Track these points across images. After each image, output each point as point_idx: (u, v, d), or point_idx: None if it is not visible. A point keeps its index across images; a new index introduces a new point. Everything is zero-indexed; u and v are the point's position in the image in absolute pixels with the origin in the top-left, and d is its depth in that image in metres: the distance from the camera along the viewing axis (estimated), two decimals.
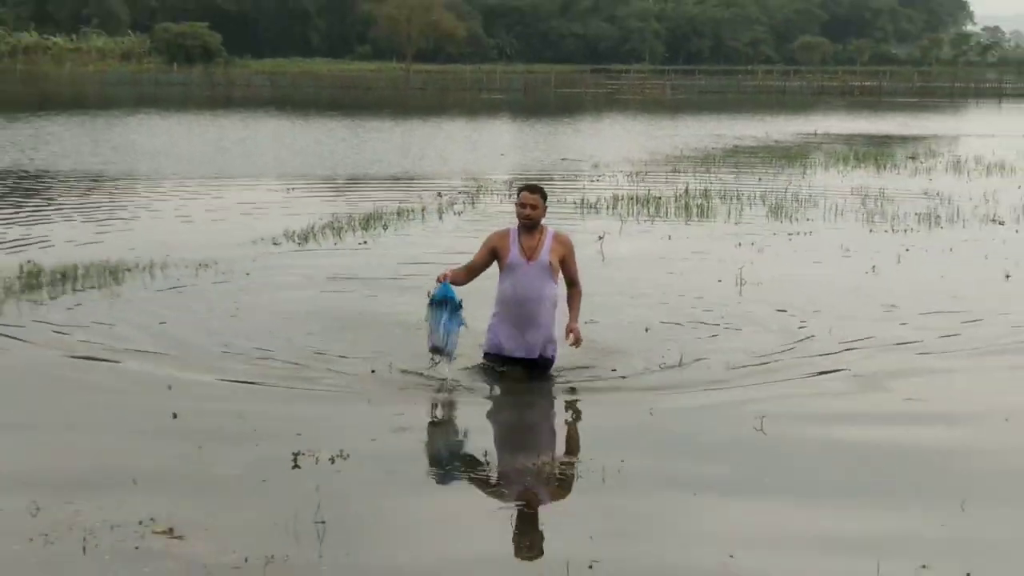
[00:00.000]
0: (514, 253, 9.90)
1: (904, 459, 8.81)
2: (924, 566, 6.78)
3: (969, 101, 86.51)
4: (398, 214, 21.24)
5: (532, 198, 9.91)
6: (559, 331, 10.21)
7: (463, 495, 8.37)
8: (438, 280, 10.04)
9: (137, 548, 6.91)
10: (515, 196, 10.39)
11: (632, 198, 23.71)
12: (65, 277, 14.66)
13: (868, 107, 73.88)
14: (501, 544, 7.39)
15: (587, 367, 10.81)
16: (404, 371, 10.56)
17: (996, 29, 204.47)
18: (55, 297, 13.85)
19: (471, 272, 10.17)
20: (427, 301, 10.19)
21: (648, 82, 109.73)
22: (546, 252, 9.89)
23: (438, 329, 9.96)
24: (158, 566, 6.71)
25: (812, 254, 17.65)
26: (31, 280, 14.45)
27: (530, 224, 9.92)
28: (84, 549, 6.88)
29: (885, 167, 31.66)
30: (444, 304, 9.96)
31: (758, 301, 13.94)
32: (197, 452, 8.70)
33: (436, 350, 10.03)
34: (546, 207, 10.04)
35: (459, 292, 10.08)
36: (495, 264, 10.11)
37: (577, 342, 10.04)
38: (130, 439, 9.07)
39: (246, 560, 6.74)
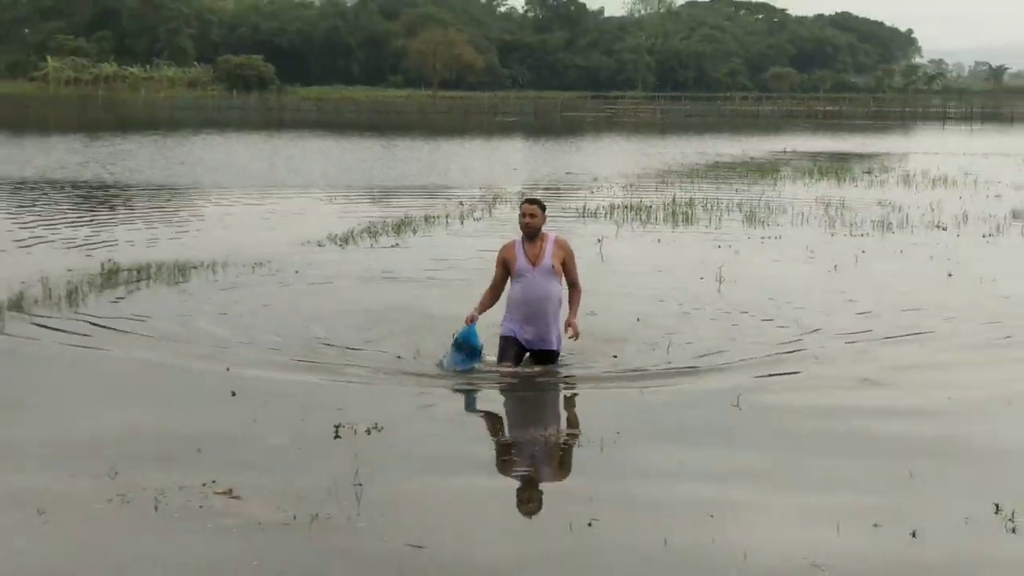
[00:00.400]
0: (521, 261, 9.90)
1: (861, 434, 8.80)
2: (876, 525, 6.79)
3: (917, 124, 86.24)
4: (425, 220, 21.24)
5: (531, 208, 9.95)
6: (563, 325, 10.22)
7: (481, 462, 8.39)
8: (466, 322, 10.03)
9: (201, 507, 6.95)
10: (521, 204, 10.37)
11: (627, 206, 23.65)
12: (139, 274, 14.72)
13: (830, 129, 73.65)
14: (513, 504, 7.43)
15: (589, 353, 10.80)
16: (429, 357, 10.55)
17: (940, 62, 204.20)
18: (130, 291, 13.91)
19: (495, 290, 10.17)
20: (451, 341, 10.19)
21: (641, 107, 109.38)
22: (548, 256, 9.89)
23: (453, 369, 10.06)
24: (219, 523, 6.74)
25: (781, 255, 17.63)
26: (110, 276, 14.52)
27: (530, 232, 9.93)
28: (156, 507, 6.92)
29: (844, 180, 31.57)
30: (463, 348, 10.01)
31: (735, 296, 13.92)
32: (252, 424, 8.74)
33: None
34: (545, 217, 10.04)
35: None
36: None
37: (575, 335, 10.04)
38: (195, 413, 9.11)
39: (294, 518, 6.77)
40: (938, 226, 21.07)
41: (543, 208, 10.05)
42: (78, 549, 6.49)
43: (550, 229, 10.22)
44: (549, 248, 9.92)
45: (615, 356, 10.87)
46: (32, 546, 6.51)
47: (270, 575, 6.14)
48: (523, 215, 9.96)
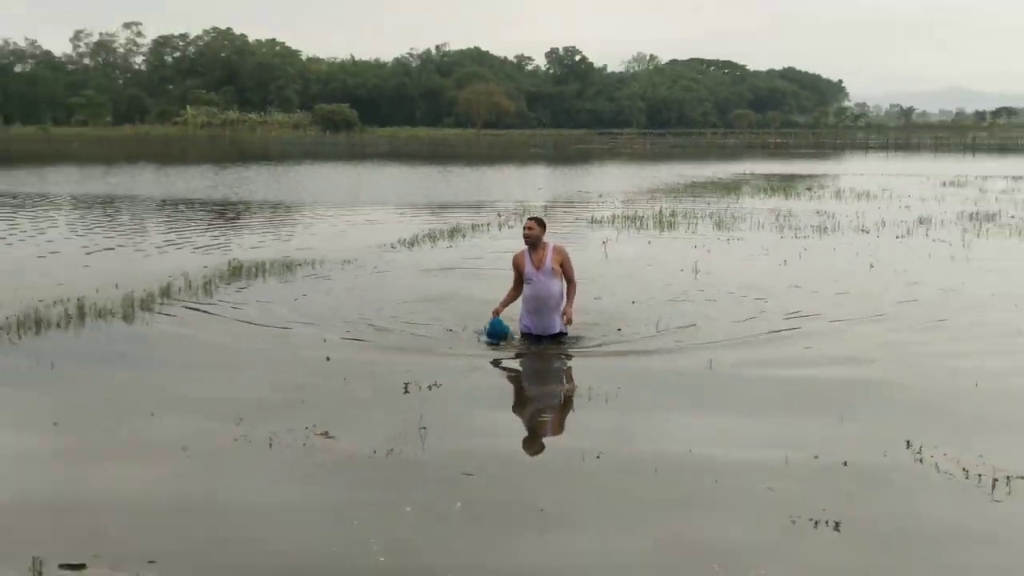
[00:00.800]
0: (528, 267, 9.88)
1: (804, 387, 8.78)
2: (816, 457, 6.79)
3: (846, 152, 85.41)
4: (472, 228, 21.26)
5: (529, 223, 10.00)
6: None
7: (516, 410, 8.45)
8: (492, 314, 10.09)
9: (304, 444, 7.01)
10: (524, 222, 10.38)
11: (625, 216, 23.61)
12: (257, 270, 14.78)
13: (780, 156, 73.14)
14: (540, 440, 7.47)
15: (597, 327, 10.76)
16: (474, 331, 10.55)
17: (864, 104, 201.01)
18: (250, 282, 13.97)
19: (516, 289, 10.12)
20: (486, 327, 10.20)
21: (635, 141, 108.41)
22: (549, 261, 9.85)
23: (489, 342, 10.11)
24: (319, 456, 6.82)
25: (743, 252, 17.52)
26: (235, 272, 14.59)
27: (530, 242, 9.92)
28: (271, 444, 6.98)
29: (790, 195, 31.38)
30: (493, 333, 10.06)
31: (707, 284, 13.86)
32: (343, 383, 8.78)
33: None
34: (543, 230, 10.01)
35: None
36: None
37: (569, 322, 9.97)
38: (299, 375, 9.14)
39: (374, 452, 6.82)
40: (862, 230, 20.93)
41: (541, 224, 10.03)
42: (214, 475, 6.56)
43: (549, 240, 10.19)
44: (549, 254, 9.89)
45: (619, 329, 10.82)
46: (177, 473, 6.59)
47: (358, 497, 6.19)
48: (525, 229, 10.00)
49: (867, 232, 20.56)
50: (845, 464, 6.68)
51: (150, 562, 5.24)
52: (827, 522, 5.75)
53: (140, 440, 7.26)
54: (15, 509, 6.03)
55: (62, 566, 5.19)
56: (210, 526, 5.80)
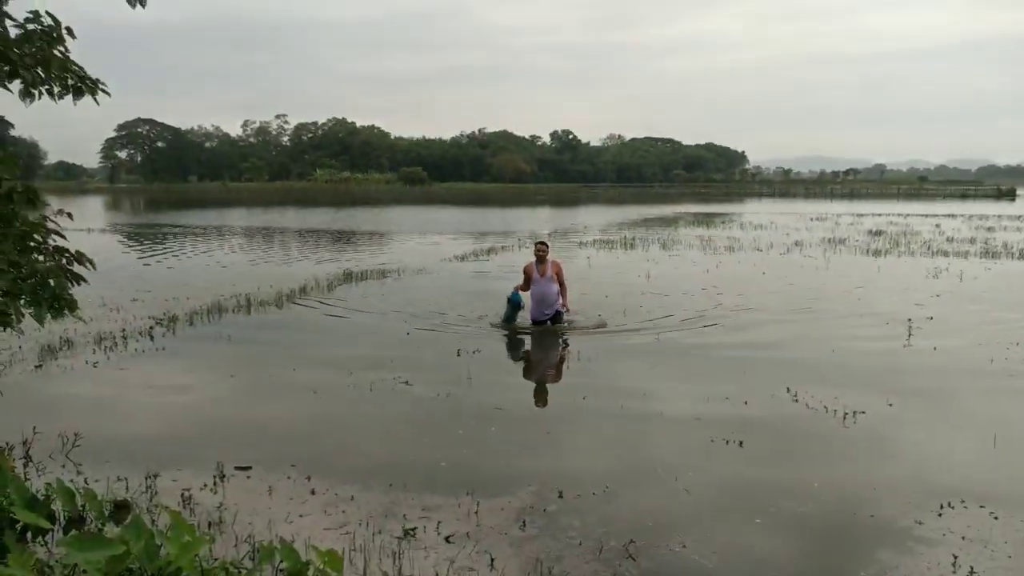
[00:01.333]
0: (536, 274, 9.90)
1: (720, 356, 8.72)
2: (727, 399, 6.75)
3: (747, 199, 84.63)
4: (501, 248, 21.23)
5: (540, 245, 9.98)
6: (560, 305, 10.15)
7: (528, 367, 8.39)
8: (515, 288, 10.08)
9: (393, 389, 7.03)
10: (535, 243, 10.38)
11: (601, 240, 23.49)
12: (361, 276, 14.83)
13: (704, 201, 72.45)
14: (545, 387, 7.42)
15: (583, 314, 10.70)
16: (501, 322, 10.52)
17: (758, 166, 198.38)
18: (357, 284, 14.01)
19: (524, 283, 10.12)
20: (507, 297, 10.17)
21: (608, 191, 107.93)
22: (549, 271, 9.87)
23: (506, 323, 10.04)
24: (401, 396, 6.82)
25: (680, 264, 17.41)
26: (347, 277, 14.63)
27: (540, 257, 9.92)
28: (371, 389, 7.00)
29: (711, 226, 31.12)
30: (511, 301, 10.00)
31: (658, 285, 13.79)
32: (417, 351, 8.78)
33: (504, 323, 10.09)
34: (548, 248, 10.03)
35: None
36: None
37: (567, 310, 10.03)
38: (388, 344, 9.15)
39: (437, 394, 6.83)
40: (758, 249, 20.76)
41: (546, 245, 10.06)
42: (334, 408, 6.59)
43: (551, 257, 10.19)
44: (550, 267, 9.93)
45: (600, 315, 10.78)
46: (309, 407, 6.61)
47: (427, 424, 6.20)
48: (536, 249, 10.02)
49: (761, 251, 20.38)
50: (746, 403, 6.64)
51: (292, 465, 5.29)
52: (734, 441, 5.72)
53: (285, 385, 7.31)
54: (206, 430, 6.10)
55: (236, 467, 5.25)
56: (331, 441, 5.83)
